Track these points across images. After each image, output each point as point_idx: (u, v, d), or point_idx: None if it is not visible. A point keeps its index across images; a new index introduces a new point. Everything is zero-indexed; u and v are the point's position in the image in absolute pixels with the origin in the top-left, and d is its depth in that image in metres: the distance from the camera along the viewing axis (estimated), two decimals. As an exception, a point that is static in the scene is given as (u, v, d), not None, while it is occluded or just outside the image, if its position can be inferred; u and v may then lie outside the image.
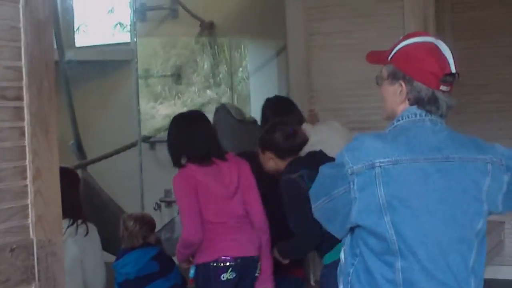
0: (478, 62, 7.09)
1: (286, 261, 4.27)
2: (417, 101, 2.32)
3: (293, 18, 5.59)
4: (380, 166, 2.19)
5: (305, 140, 4.14)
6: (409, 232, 2.20)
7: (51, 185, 2.15)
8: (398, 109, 2.37)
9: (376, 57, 2.48)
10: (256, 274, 4.06)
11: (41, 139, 2.12)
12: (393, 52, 2.39)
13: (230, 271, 3.90)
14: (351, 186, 2.21)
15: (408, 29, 5.13)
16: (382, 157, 2.20)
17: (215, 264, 3.91)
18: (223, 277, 3.89)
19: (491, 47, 7.13)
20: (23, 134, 2.07)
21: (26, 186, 2.07)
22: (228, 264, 3.90)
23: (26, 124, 2.08)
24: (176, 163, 4.07)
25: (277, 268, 4.47)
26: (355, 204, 2.22)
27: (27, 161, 2.08)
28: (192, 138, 4.05)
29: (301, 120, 4.67)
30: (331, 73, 5.41)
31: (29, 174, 2.08)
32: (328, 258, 3.82)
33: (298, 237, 3.92)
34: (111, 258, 4.79)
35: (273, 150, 4.08)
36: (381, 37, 5.16)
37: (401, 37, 2.44)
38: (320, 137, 4.43)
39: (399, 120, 2.35)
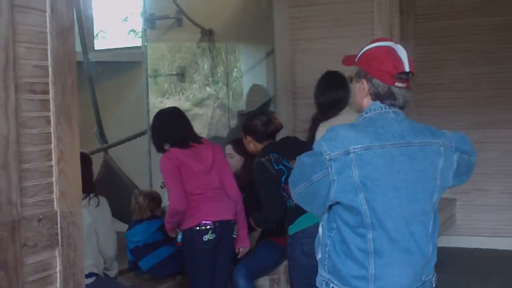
0: (436, 64, 7.11)
1: (259, 229, 4.35)
2: (377, 96, 2.35)
3: (280, 26, 5.58)
4: (354, 152, 2.20)
5: (278, 128, 4.20)
6: (380, 207, 2.22)
7: (72, 166, 2.16)
8: (363, 103, 2.40)
9: (348, 60, 2.50)
10: (234, 235, 4.16)
11: (64, 127, 2.12)
12: (359, 55, 2.42)
13: (211, 233, 4.01)
14: (330, 170, 2.22)
15: (376, 36, 5.12)
16: (355, 144, 2.21)
17: (197, 228, 4.01)
18: (205, 238, 4.00)
19: (447, 52, 7.15)
20: (49, 122, 2.08)
21: (51, 166, 2.08)
22: (208, 227, 4.01)
23: (51, 114, 2.09)
24: (160, 149, 4.20)
25: (264, 235, 4.52)
26: (334, 186, 2.22)
27: (52, 145, 2.09)
28: (172, 128, 4.16)
29: (348, 97, 4.62)
30: (311, 73, 5.37)
31: (54, 156, 2.09)
32: (291, 230, 3.89)
33: (264, 210, 4.05)
34: (125, 227, 4.80)
35: (252, 134, 4.17)
36: (354, 43, 5.15)
37: (368, 42, 2.47)
38: (353, 118, 4.39)
39: (367, 113, 2.37)
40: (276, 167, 3.89)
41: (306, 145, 4.10)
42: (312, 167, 2.27)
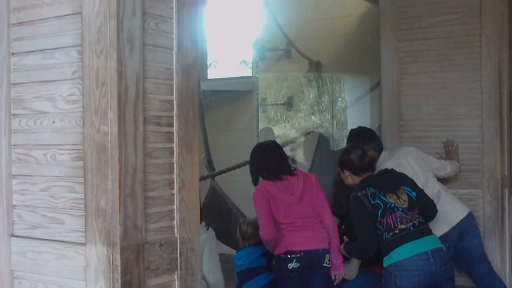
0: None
1: (347, 256, 4.31)
2: None
3: (388, 60, 5.52)
4: None
5: (374, 160, 4.19)
6: None
7: (192, 195, 2.22)
8: None
9: None
10: (325, 264, 4.17)
11: (186, 157, 2.19)
12: None
13: (295, 262, 4.07)
14: None
15: (484, 71, 4.98)
16: None
17: (283, 255, 4.10)
18: (290, 266, 4.08)
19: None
20: (172, 153, 2.15)
21: (173, 194, 2.15)
22: (293, 256, 4.08)
23: (174, 145, 2.16)
24: (255, 182, 4.34)
25: (364, 264, 4.47)
26: None
27: (174, 175, 2.15)
28: (262, 163, 4.31)
29: (381, 147, 4.66)
30: (417, 107, 5.32)
31: (175, 185, 2.16)
32: (385, 261, 3.84)
33: (358, 243, 4.02)
34: (233, 251, 4.85)
35: (349, 168, 4.14)
36: (461, 78, 5.04)
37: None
38: (398, 160, 4.45)
39: None
40: (372, 202, 3.87)
41: (404, 178, 4.06)
42: None
